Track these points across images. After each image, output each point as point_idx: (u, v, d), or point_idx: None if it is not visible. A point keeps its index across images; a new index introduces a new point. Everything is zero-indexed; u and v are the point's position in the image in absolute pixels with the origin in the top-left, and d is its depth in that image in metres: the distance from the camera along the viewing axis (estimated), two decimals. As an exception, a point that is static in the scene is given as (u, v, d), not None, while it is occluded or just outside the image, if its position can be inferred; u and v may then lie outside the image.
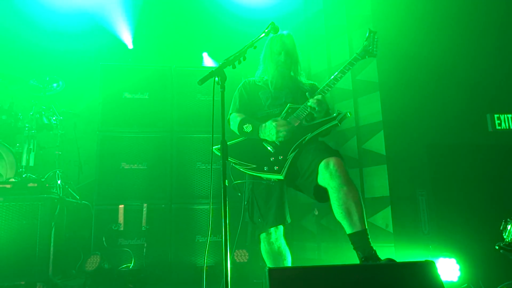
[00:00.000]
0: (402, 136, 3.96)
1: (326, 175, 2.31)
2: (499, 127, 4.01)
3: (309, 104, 2.56)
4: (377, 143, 4.02)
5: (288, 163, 2.48)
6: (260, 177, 2.56)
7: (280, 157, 2.51)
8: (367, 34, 2.77)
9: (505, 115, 4.03)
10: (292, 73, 2.84)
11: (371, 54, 2.75)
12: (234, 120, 2.74)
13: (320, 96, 2.57)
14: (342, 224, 2.30)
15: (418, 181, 3.81)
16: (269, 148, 2.56)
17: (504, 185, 3.60)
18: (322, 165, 2.34)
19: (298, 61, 2.85)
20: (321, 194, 2.44)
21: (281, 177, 2.47)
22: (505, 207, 3.48)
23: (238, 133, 2.72)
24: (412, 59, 3.94)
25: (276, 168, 2.49)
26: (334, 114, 2.54)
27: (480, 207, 3.51)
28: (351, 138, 4.26)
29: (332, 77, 2.62)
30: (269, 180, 2.58)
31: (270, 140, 2.56)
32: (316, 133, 2.55)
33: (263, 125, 2.58)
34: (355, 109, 4.22)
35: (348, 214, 2.26)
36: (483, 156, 3.70)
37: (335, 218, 2.35)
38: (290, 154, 2.50)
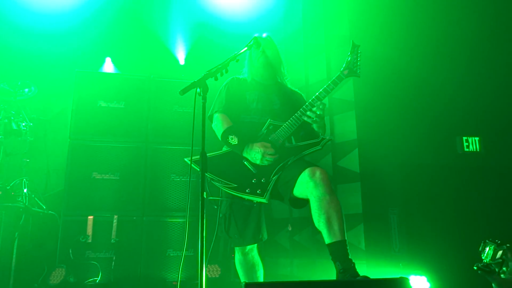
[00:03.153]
0: (376, 154, 4.03)
1: (310, 184, 2.29)
2: (467, 149, 4.16)
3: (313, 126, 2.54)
4: (352, 161, 4.08)
5: (271, 187, 2.44)
6: (241, 197, 2.51)
7: (263, 180, 2.47)
8: (350, 48, 2.56)
9: (473, 138, 4.19)
10: (278, 78, 2.82)
11: (354, 74, 2.54)
12: (218, 122, 2.66)
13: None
14: (322, 233, 2.27)
15: (390, 199, 3.87)
16: (250, 168, 2.51)
17: (472, 206, 3.72)
18: (306, 174, 2.31)
19: (282, 62, 2.81)
20: (296, 202, 2.45)
21: (264, 200, 2.44)
22: (473, 226, 3.59)
23: (218, 137, 2.66)
24: (387, 80, 4.05)
25: (258, 191, 2.44)
26: (318, 140, 2.52)
27: (450, 226, 3.61)
28: (327, 155, 4.30)
29: (316, 95, 2.50)
30: (250, 201, 2.54)
31: (252, 161, 2.51)
32: (299, 157, 2.52)
33: (250, 145, 2.51)
34: (331, 126, 4.29)
35: (329, 223, 2.23)
36: (453, 177, 3.81)
37: (311, 231, 2.35)
38: (273, 177, 2.46)
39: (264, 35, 2.77)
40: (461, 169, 3.88)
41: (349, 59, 2.56)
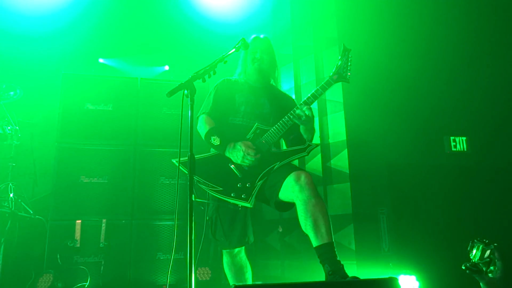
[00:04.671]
0: (365, 155, 4.06)
1: (296, 188, 2.30)
2: (455, 149, 4.21)
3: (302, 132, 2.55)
4: (341, 161, 4.10)
5: (256, 192, 2.45)
6: (226, 200, 2.51)
7: (248, 185, 2.47)
8: (341, 52, 2.52)
9: (460, 138, 4.24)
10: (271, 81, 2.80)
11: (343, 79, 2.54)
12: (202, 124, 2.65)
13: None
14: (309, 236, 2.28)
15: (379, 199, 3.89)
16: (236, 172, 2.51)
17: (460, 205, 3.76)
18: (292, 178, 2.33)
19: (277, 65, 2.79)
20: (282, 205, 2.47)
21: (248, 205, 2.45)
22: (462, 226, 3.62)
23: (203, 138, 2.65)
24: (376, 81, 4.09)
25: (243, 196, 2.45)
26: (304, 146, 2.52)
27: (438, 226, 3.64)
28: (316, 155, 4.31)
29: (304, 100, 2.50)
30: (236, 205, 2.54)
31: (234, 161, 2.51)
32: (284, 162, 2.52)
33: (232, 144, 2.50)
34: (321, 127, 4.30)
35: (315, 226, 2.25)
36: (441, 176, 3.85)
37: (302, 232, 2.34)
38: (258, 182, 2.47)
39: (262, 36, 2.74)
40: (449, 169, 3.92)
41: (339, 63, 2.53)
